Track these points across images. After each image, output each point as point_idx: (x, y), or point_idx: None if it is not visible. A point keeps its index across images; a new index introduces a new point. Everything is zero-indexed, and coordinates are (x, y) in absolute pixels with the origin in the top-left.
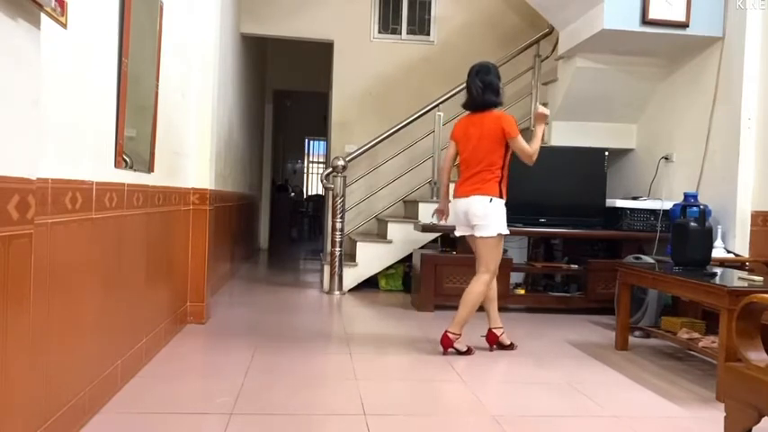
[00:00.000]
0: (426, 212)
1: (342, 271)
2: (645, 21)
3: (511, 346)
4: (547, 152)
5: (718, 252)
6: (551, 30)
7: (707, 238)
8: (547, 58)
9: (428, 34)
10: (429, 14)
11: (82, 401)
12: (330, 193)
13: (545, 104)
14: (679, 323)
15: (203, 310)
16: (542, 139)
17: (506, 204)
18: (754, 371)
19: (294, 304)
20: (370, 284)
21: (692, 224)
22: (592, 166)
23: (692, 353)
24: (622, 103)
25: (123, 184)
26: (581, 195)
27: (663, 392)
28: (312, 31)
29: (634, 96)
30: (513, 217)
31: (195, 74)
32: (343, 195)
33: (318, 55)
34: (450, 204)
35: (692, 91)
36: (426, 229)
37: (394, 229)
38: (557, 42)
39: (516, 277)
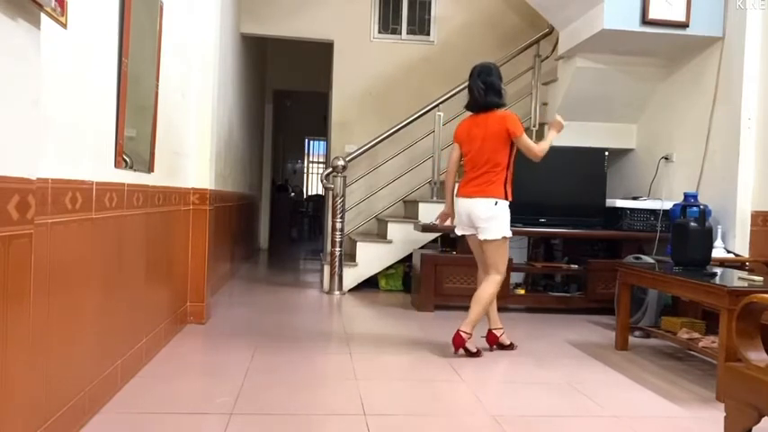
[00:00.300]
0: (426, 212)
1: (342, 271)
2: (645, 21)
3: (511, 346)
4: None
5: (718, 252)
6: (551, 30)
7: (707, 238)
8: (547, 58)
9: (428, 34)
10: (429, 14)
11: (82, 401)
12: (330, 193)
13: (545, 104)
14: (679, 323)
15: (203, 310)
16: (550, 142)
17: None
18: (754, 371)
19: (294, 304)
20: (370, 284)
21: (692, 224)
22: (592, 166)
23: (692, 353)
24: (622, 103)
25: (123, 184)
26: (581, 195)
27: (663, 392)
28: (312, 31)
29: (634, 96)
30: (513, 217)
31: (195, 74)
32: (343, 195)
33: (318, 55)
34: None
35: (692, 91)
36: (426, 229)
37: (394, 229)
38: (557, 42)
39: (516, 277)
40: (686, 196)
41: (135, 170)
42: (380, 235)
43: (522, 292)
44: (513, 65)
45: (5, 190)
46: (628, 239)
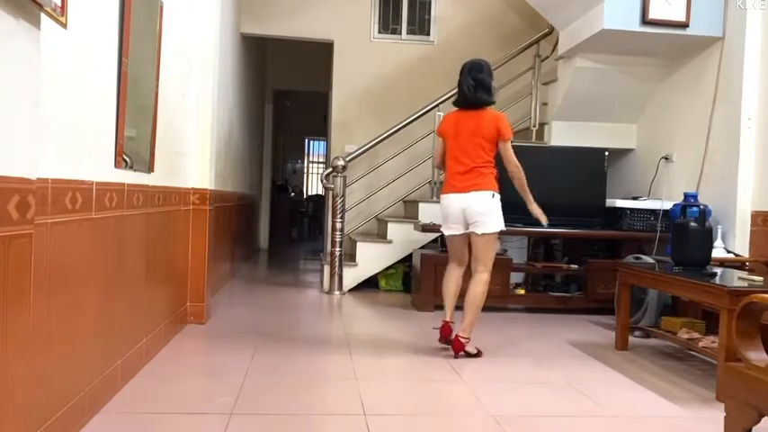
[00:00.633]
0: (426, 212)
1: (342, 271)
2: (645, 21)
3: (451, 341)
4: (547, 152)
5: (718, 252)
6: (551, 30)
7: (707, 238)
8: (547, 58)
9: (428, 34)
10: (429, 14)
11: (82, 401)
12: (330, 193)
13: (545, 104)
14: (679, 323)
15: (203, 310)
16: (527, 193)
17: (506, 204)
18: (754, 371)
19: (294, 304)
20: (370, 284)
21: (692, 224)
22: (592, 166)
23: (692, 353)
24: (622, 103)
25: (123, 184)
26: (581, 195)
27: (663, 392)
28: (312, 31)
29: (634, 96)
30: (513, 217)
31: (195, 74)
32: (343, 195)
33: (318, 55)
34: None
35: (692, 91)
36: (426, 229)
37: (394, 229)
38: (557, 42)
39: (516, 277)
40: (686, 196)
41: (135, 170)
42: (380, 235)
43: (522, 292)
44: (513, 65)
45: (5, 190)
46: (628, 239)
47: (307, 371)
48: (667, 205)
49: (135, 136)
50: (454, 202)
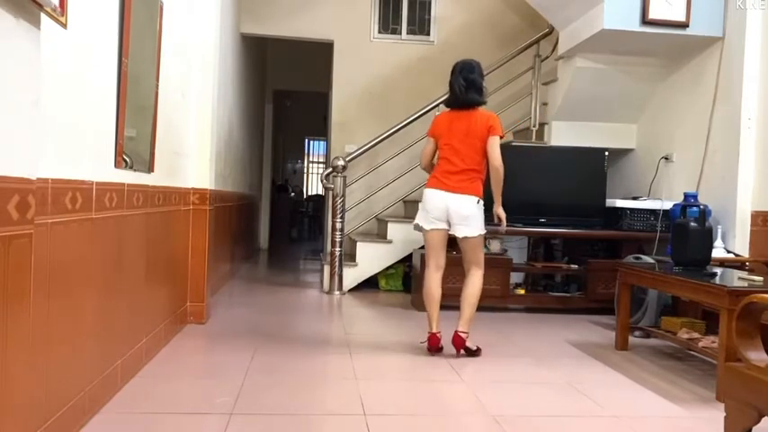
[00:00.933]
0: None
1: (342, 271)
2: (645, 21)
3: (441, 349)
4: (547, 152)
5: (718, 252)
6: (551, 30)
7: (707, 238)
8: (547, 58)
9: (428, 34)
10: (429, 14)
11: (82, 401)
12: (330, 193)
13: (545, 104)
14: (679, 323)
15: (203, 310)
16: (499, 194)
17: (506, 204)
18: (754, 371)
19: (294, 304)
20: (370, 284)
21: (692, 224)
22: (592, 166)
23: (692, 353)
24: (622, 103)
25: (123, 184)
26: (581, 195)
27: (663, 392)
28: (312, 31)
29: (634, 96)
30: (513, 217)
31: (195, 74)
32: (343, 195)
33: (318, 55)
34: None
35: (692, 91)
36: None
37: (394, 229)
38: (557, 42)
39: (516, 277)
40: (686, 196)
41: (135, 170)
42: (380, 235)
43: (522, 292)
44: (512, 65)
45: (5, 190)
46: (628, 239)
47: (307, 371)
48: (667, 205)
49: (135, 136)
50: (440, 198)
